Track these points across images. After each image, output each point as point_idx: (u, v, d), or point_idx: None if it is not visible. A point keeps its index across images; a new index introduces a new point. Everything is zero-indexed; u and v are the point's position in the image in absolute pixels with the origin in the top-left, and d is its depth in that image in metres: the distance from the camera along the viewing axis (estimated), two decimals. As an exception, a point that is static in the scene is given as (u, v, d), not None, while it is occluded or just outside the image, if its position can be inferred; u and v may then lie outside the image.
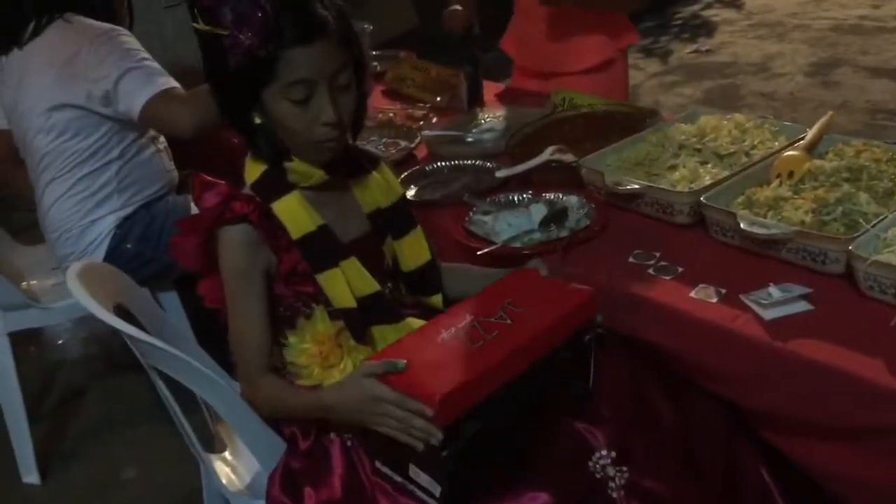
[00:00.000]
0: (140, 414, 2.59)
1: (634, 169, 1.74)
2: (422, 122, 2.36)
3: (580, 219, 1.70)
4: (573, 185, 1.81)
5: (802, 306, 1.35)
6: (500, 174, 1.88)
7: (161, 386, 1.41)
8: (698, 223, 1.61)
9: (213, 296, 1.44)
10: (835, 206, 1.45)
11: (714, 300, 1.41)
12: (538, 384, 1.32)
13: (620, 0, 2.41)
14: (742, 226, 1.46)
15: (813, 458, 1.35)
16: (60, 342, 3.13)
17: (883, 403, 1.20)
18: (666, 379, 1.45)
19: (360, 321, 1.36)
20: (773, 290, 1.36)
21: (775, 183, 1.58)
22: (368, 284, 1.37)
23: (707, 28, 6.05)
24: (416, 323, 1.44)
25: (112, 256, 2.22)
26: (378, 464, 1.31)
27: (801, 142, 1.70)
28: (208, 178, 1.37)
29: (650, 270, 1.52)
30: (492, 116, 2.25)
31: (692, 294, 1.43)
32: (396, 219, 1.49)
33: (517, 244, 1.67)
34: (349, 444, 1.35)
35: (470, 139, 2.16)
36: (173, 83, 2.12)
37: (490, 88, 2.57)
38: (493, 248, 1.65)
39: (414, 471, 1.24)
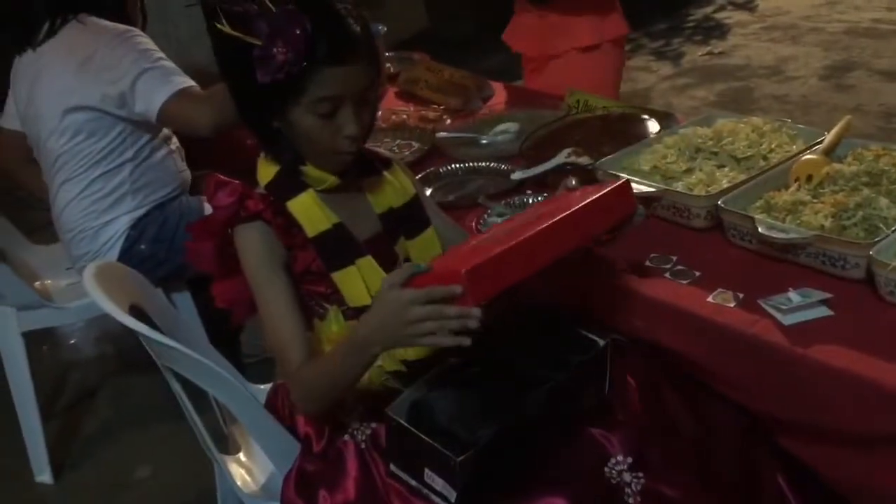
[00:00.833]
0: (152, 413, 2.60)
1: (650, 172, 1.73)
2: (435, 124, 2.35)
3: (596, 222, 1.69)
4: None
5: (822, 311, 1.33)
6: (515, 176, 1.88)
7: (176, 387, 1.41)
8: (715, 227, 1.60)
9: (226, 297, 1.44)
10: (855, 211, 1.44)
11: (732, 305, 1.40)
12: (555, 389, 1.31)
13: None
14: (760, 230, 1.45)
15: (830, 464, 1.34)
16: (73, 342, 3.14)
17: (904, 410, 1.19)
18: (683, 385, 1.44)
19: None
20: (793, 295, 1.35)
21: (794, 187, 1.57)
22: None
23: (720, 30, 6.03)
24: None
25: (125, 257, 2.22)
26: (393, 467, 1.30)
27: (820, 145, 1.69)
28: (222, 177, 1.38)
29: (667, 274, 1.51)
30: (506, 119, 2.24)
31: (710, 298, 1.42)
32: (409, 219, 1.49)
33: (533, 247, 1.66)
34: (363, 446, 1.35)
35: (484, 141, 2.16)
36: (190, 82, 2.13)
37: (502, 90, 2.57)
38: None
39: (429, 475, 1.24)
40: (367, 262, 1.37)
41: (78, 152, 2.19)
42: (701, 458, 1.38)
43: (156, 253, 2.26)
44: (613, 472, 1.30)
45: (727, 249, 1.56)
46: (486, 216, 1.77)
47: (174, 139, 2.38)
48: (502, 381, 1.32)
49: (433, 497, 1.24)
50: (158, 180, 2.30)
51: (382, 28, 2.49)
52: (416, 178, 1.91)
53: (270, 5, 1.24)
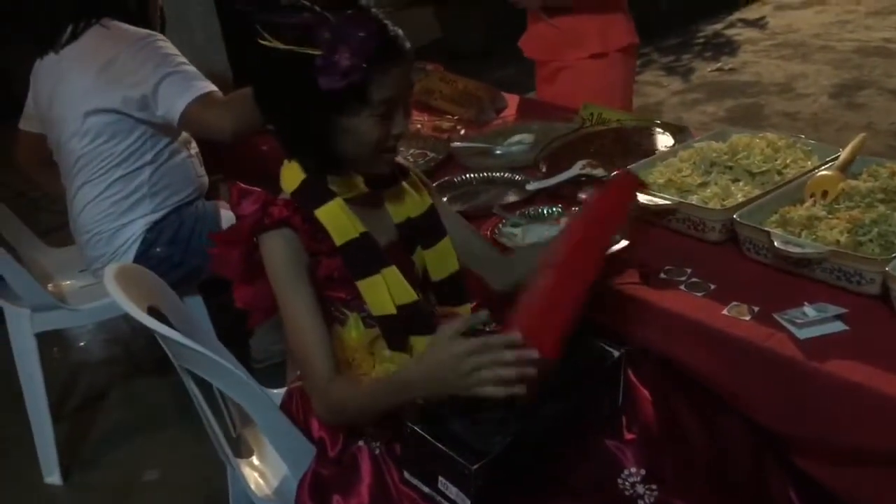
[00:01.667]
0: (162, 417, 2.61)
1: (665, 185, 1.74)
2: (450, 134, 2.37)
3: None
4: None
5: (837, 326, 1.34)
6: (530, 187, 1.89)
7: (193, 389, 1.42)
8: (730, 241, 1.61)
9: (246, 300, 1.44)
10: (870, 227, 1.45)
11: (747, 318, 1.41)
12: (569, 399, 1.31)
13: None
14: (776, 244, 1.46)
15: (842, 480, 1.34)
16: (83, 344, 3.15)
17: (919, 426, 1.19)
18: (695, 397, 1.44)
19: (398, 328, 1.37)
20: (808, 310, 1.36)
21: (809, 202, 1.58)
22: (407, 293, 1.38)
23: (730, 47, 6.05)
24: None
25: (141, 259, 2.24)
26: (407, 474, 1.31)
27: (835, 162, 1.70)
28: (245, 186, 1.38)
29: (682, 287, 1.52)
30: (521, 130, 2.25)
31: (724, 311, 1.43)
32: (426, 229, 1.50)
33: (547, 257, 1.67)
34: (377, 452, 1.35)
35: (498, 151, 2.17)
36: (212, 87, 2.15)
37: (515, 101, 2.59)
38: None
39: (443, 483, 1.24)
40: (392, 272, 1.38)
41: (98, 154, 2.21)
42: (713, 472, 1.39)
43: (171, 256, 2.28)
44: (627, 483, 1.31)
45: (742, 263, 1.56)
46: (500, 226, 1.78)
47: (193, 143, 2.40)
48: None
49: None
50: (176, 184, 2.31)
51: None
52: (434, 185, 1.93)
53: (327, 14, 1.24)
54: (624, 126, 2.17)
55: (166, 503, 2.33)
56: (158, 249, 2.27)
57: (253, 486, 1.48)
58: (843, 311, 1.36)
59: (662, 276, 1.56)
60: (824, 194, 1.58)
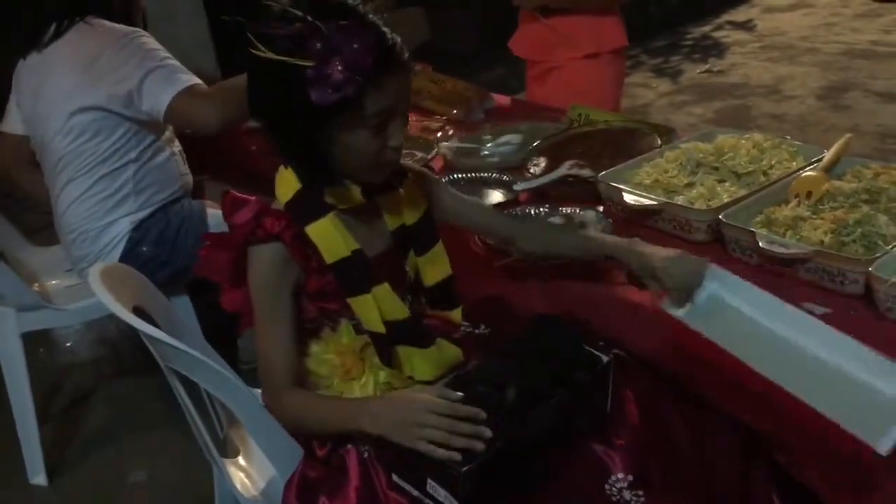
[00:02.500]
0: (148, 418, 2.60)
1: (652, 185, 1.75)
2: (438, 134, 2.37)
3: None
4: (590, 201, 1.82)
5: (821, 326, 1.35)
6: (517, 187, 1.89)
7: (179, 388, 1.42)
8: (715, 241, 1.62)
9: (234, 304, 1.44)
10: (854, 228, 1.46)
11: (733, 317, 1.41)
12: (558, 404, 1.31)
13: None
14: (761, 244, 1.47)
15: (825, 483, 1.34)
16: (69, 344, 3.14)
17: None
18: (682, 402, 1.44)
19: (387, 344, 1.37)
20: (792, 310, 1.36)
21: (794, 203, 1.59)
22: (399, 310, 1.38)
23: (718, 49, 6.08)
24: (445, 346, 1.44)
25: (127, 259, 2.23)
26: (395, 477, 1.30)
27: (819, 163, 1.71)
28: (238, 195, 1.37)
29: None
30: (509, 130, 2.26)
31: (710, 311, 1.44)
32: (420, 235, 1.49)
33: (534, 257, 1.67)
34: (366, 455, 1.35)
35: (486, 152, 2.18)
36: (196, 80, 2.15)
37: (504, 102, 2.60)
38: (509, 259, 1.66)
39: (432, 486, 1.24)
40: (383, 290, 1.37)
41: (82, 152, 2.20)
42: (700, 480, 1.38)
43: (157, 255, 2.27)
44: (614, 489, 1.30)
45: (727, 263, 1.56)
46: (487, 226, 1.79)
47: (176, 142, 2.40)
48: (506, 395, 1.33)
49: None
50: (161, 182, 2.31)
51: None
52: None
53: (320, 24, 1.20)
54: (611, 127, 2.17)
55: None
56: (145, 248, 2.26)
57: (239, 487, 1.47)
58: (826, 311, 1.37)
59: (648, 276, 1.57)
60: (808, 195, 1.59)
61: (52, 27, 2.24)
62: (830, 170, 1.69)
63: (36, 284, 2.45)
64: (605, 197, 1.80)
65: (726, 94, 5.10)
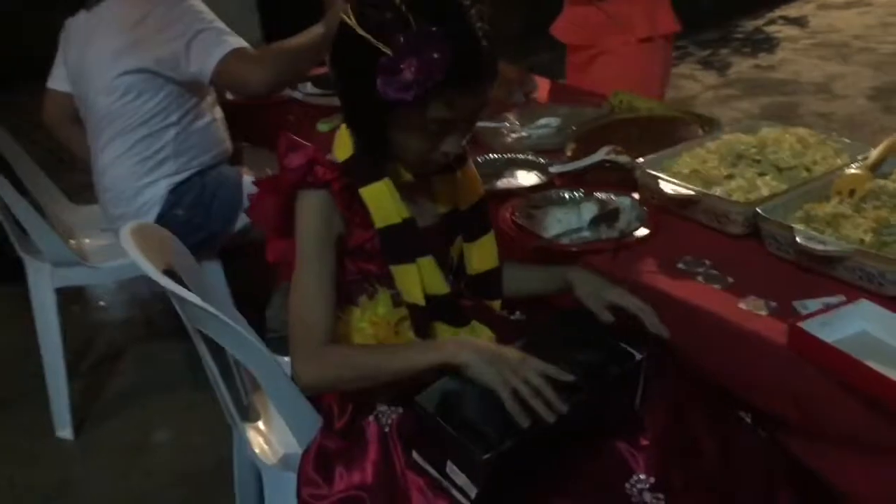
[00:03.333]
0: (175, 379, 2.63)
1: (690, 175, 1.72)
2: (477, 114, 2.35)
3: (631, 221, 1.68)
4: (627, 188, 1.79)
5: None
6: (552, 170, 1.87)
7: (205, 352, 1.43)
8: (752, 235, 1.59)
9: (277, 254, 1.44)
10: (896, 228, 1.42)
11: (763, 312, 1.39)
12: (587, 399, 1.29)
13: None
14: (798, 240, 1.44)
15: (855, 481, 1.32)
16: (102, 303, 3.18)
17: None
18: (714, 411, 1.41)
19: (425, 318, 1.36)
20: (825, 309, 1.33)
21: (835, 200, 1.55)
22: (440, 285, 1.37)
23: (769, 44, 5.97)
24: (479, 328, 1.43)
25: (162, 221, 2.25)
26: (416, 455, 1.29)
27: (865, 161, 1.67)
28: (295, 138, 1.36)
29: (699, 278, 1.50)
30: (548, 113, 2.23)
31: (741, 304, 1.41)
32: (472, 222, 1.47)
33: (565, 241, 1.66)
34: (387, 430, 1.34)
35: (524, 133, 2.15)
36: (243, 43, 2.17)
37: (545, 86, 2.57)
38: (541, 242, 1.64)
39: (451, 468, 1.22)
40: (428, 262, 1.36)
41: (125, 112, 2.22)
42: (723, 489, 1.35)
43: (192, 219, 2.29)
44: (634, 490, 1.27)
45: (763, 258, 1.54)
46: (521, 207, 1.77)
47: (218, 109, 2.41)
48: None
49: (453, 491, 1.23)
50: (200, 146, 2.32)
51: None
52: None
53: (412, 19, 1.18)
54: (654, 115, 2.14)
55: (174, 464, 2.35)
56: (180, 212, 2.28)
57: (258, 452, 1.48)
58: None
59: (680, 265, 1.54)
60: (851, 193, 1.55)
61: None
62: (876, 169, 1.64)
63: (73, 241, 2.48)
64: (641, 184, 1.77)
65: (774, 91, 5.00)
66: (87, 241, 2.52)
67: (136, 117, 2.22)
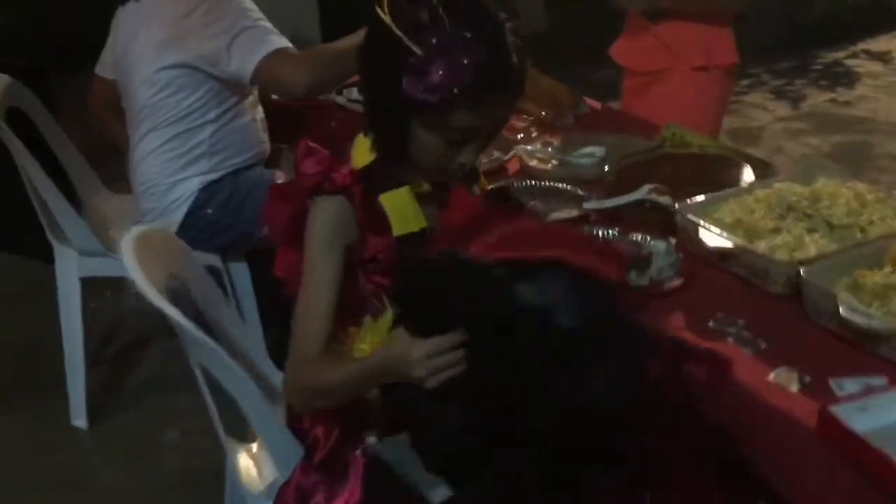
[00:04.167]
0: (195, 378, 2.59)
1: (734, 225, 1.61)
2: (520, 136, 2.26)
3: (663, 269, 1.57)
4: (664, 230, 1.68)
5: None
6: (587, 205, 1.78)
7: (197, 369, 1.37)
8: (794, 296, 1.47)
9: (285, 266, 1.40)
10: (952, 309, 1.29)
11: (795, 388, 1.27)
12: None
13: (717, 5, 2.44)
14: (842, 311, 1.32)
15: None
16: (134, 292, 3.17)
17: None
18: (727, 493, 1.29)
19: None
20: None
21: (888, 269, 1.42)
22: None
23: (848, 78, 5.72)
24: None
25: (191, 219, 2.22)
26: None
27: (928, 227, 1.54)
28: (313, 144, 1.33)
29: (730, 339, 1.39)
30: (594, 141, 2.13)
31: (771, 376, 1.30)
32: None
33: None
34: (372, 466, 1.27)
35: (566, 161, 2.06)
36: (286, 43, 2.13)
37: (599, 109, 2.47)
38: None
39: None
40: None
41: (163, 106, 2.20)
42: None
43: (221, 219, 2.25)
44: None
45: (802, 324, 1.42)
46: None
47: (259, 109, 2.37)
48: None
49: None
50: (237, 146, 2.28)
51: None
52: (489, 188, 1.83)
53: (446, 20, 1.18)
54: (705, 153, 2.02)
55: (182, 463, 2.32)
56: (209, 211, 2.24)
57: (243, 477, 1.42)
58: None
59: (711, 324, 1.43)
60: (907, 262, 1.42)
61: None
62: (940, 237, 1.51)
63: (110, 231, 2.46)
64: (680, 230, 1.66)
65: (848, 128, 4.78)
66: (119, 232, 2.48)
67: (173, 112, 2.19)
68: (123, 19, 2.32)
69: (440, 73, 1.16)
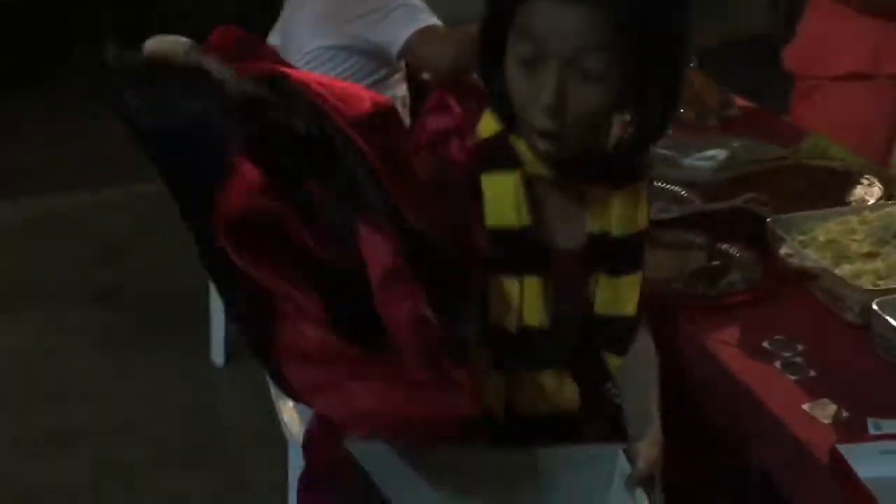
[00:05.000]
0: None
1: (825, 245, 1.48)
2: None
3: (736, 283, 1.49)
4: (756, 242, 1.58)
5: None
6: (673, 211, 1.69)
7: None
8: (868, 327, 1.34)
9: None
10: None
11: (827, 421, 1.17)
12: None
13: None
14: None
15: None
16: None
17: None
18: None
19: (506, 352, 1.16)
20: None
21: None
22: (541, 317, 1.16)
23: None
24: (566, 382, 1.19)
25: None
26: None
27: None
28: (449, 98, 1.18)
29: (777, 363, 1.30)
30: (720, 144, 2.02)
31: (805, 406, 1.20)
32: (622, 254, 1.21)
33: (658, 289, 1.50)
34: None
35: (684, 163, 1.97)
36: (435, 20, 2.18)
37: (751, 112, 2.34)
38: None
39: None
40: (532, 284, 1.15)
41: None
42: None
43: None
44: None
45: (868, 357, 1.30)
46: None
47: (403, 86, 2.45)
48: None
49: None
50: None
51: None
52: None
53: None
54: (837, 168, 1.86)
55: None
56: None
57: (287, 419, 1.51)
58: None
59: (766, 344, 1.35)
60: None
61: None
62: None
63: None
64: (770, 242, 1.56)
65: None
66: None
67: (322, 84, 2.32)
68: (291, -3, 2.48)
69: None
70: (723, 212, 1.67)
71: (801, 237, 1.53)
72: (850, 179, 1.78)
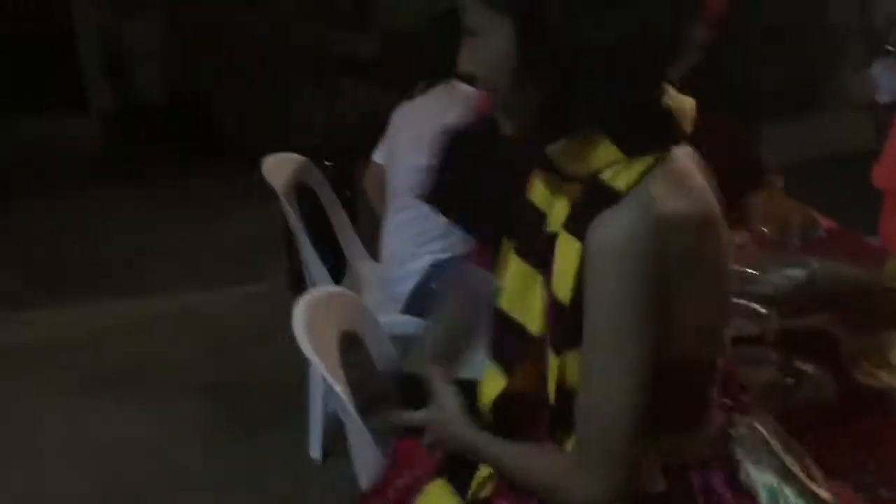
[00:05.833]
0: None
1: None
2: (739, 249, 2.24)
3: (810, 398, 1.53)
4: (830, 362, 1.62)
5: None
6: (752, 329, 1.74)
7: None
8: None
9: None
10: None
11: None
12: None
13: None
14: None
15: None
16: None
17: None
18: None
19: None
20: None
21: None
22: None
23: None
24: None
25: (417, 294, 2.51)
26: None
27: None
28: None
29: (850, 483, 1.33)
30: (800, 263, 2.06)
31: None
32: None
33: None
34: None
35: (763, 279, 2.02)
36: None
37: (838, 234, 2.36)
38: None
39: None
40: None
41: (405, 192, 2.49)
42: None
43: (443, 294, 2.50)
44: None
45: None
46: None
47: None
48: None
49: None
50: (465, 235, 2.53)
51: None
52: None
53: None
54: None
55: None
56: (434, 286, 2.50)
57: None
58: None
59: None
60: None
61: (423, 84, 2.61)
62: None
63: (362, 293, 2.81)
64: (844, 362, 1.59)
65: None
66: (368, 293, 2.81)
67: (411, 198, 2.49)
68: (398, 114, 2.71)
69: None
70: (799, 330, 1.71)
71: (878, 359, 1.56)
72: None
